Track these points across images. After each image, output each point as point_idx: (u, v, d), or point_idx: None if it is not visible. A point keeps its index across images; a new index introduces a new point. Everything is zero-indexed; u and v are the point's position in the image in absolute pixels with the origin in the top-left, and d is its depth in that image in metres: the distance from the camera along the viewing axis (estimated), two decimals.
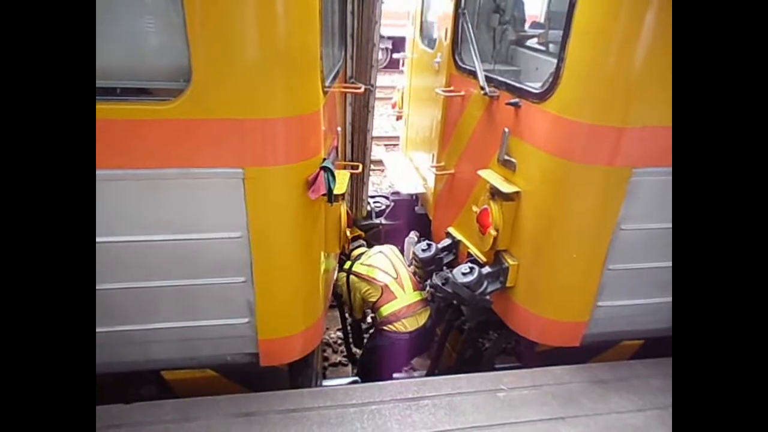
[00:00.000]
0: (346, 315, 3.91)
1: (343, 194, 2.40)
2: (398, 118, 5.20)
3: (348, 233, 2.77)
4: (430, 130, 3.68)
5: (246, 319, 2.29)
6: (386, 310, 3.24)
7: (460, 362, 3.41)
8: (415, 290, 3.32)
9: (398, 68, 9.93)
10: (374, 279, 3.28)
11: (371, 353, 3.47)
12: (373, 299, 3.28)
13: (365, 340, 4.00)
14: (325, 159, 2.20)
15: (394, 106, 5.34)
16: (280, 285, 2.30)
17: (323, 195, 2.14)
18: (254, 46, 1.83)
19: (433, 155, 3.59)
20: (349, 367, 4.38)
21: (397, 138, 6.18)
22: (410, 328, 3.21)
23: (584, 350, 2.75)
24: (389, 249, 3.53)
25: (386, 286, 3.25)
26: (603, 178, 2.29)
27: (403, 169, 4.47)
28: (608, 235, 2.40)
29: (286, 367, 2.68)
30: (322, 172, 2.12)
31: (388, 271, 3.33)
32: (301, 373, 2.88)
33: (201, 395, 2.39)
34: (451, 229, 3.30)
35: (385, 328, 3.24)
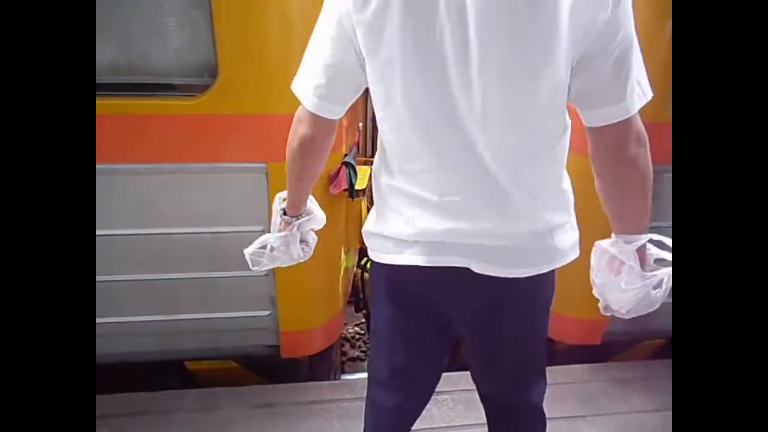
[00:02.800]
0: (362, 310, 3.92)
1: (363, 190, 2.42)
2: None
3: None
4: None
5: (267, 312, 2.33)
6: None
7: None
8: None
9: None
10: None
11: None
12: None
13: None
14: (346, 155, 2.21)
15: None
16: (301, 279, 2.32)
17: (344, 190, 2.15)
18: (278, 42, 1.85)
19: None
20: (366, 363, 4.41)
21: None
22: None
23: (603, 349, 2.73)
24: None
25: None
26: None
27: None
28: None
29: (306, 360, 2.72)
30: (343, 167, 2.14)
31: None
32: (320, 366, 2.92)
33: (222, 386, 2.44)
34: None
35: None
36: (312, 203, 1.46)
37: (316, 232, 2.20)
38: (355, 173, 2.18)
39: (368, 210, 2.95)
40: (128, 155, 1.93)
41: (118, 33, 1.86)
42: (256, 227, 2.13)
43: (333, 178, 2.12)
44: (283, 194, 1.42)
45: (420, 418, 1.53)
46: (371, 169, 1.33)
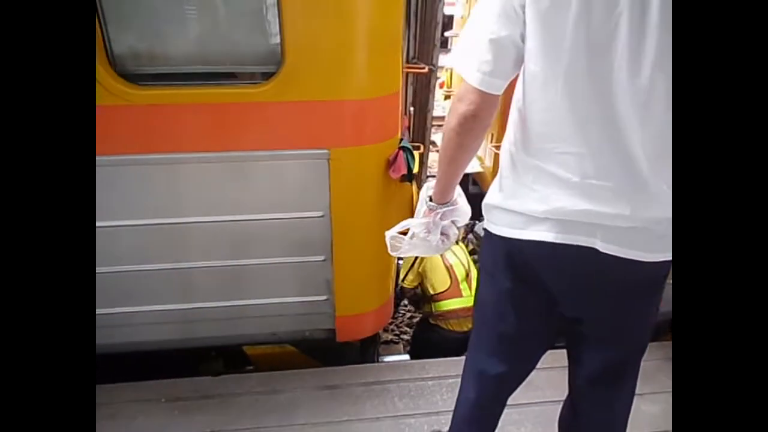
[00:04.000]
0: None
1: (418, 174, 2.43)
2: (446, 97, 5.17)
3: None
4: None
5: (324, 297, 2.37)
6: (446, 305, 3.08)
7: None
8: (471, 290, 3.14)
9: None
10: (452, 268, 3.13)
11: (422, 346, 3.39)
12: (441, 289, 3.10)
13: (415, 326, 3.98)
14: (402, 139, 2.23)
15: (442, 86, 5.31)
16: (357, 264, 2.35)
17: (403, 175, 2.17)
18: (344, 28, 1.85)
19: (492, 134, 3.58)
20: (401, 345, 4.46)
21: (442, 118, 6.14)
22: (465, 329, 3.05)
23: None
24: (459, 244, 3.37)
25: (458, 281, 3.11)
26: None
27: None
28: None
29: (358, 343, 2.76)
30: (401, 152, 2.15)
31: (464, 263, 3.19)
32: (369, 349, 2.97)
33: (278, 369, 2.50)
34: None
35: (440, 324, 3.13)
36: (460, 196, 1.46)
37: (369, 216, 2.23)
38: (413, 157, 2.19)
39: (418, 194, 2.97)
40: (194, 144, 1.95)
41: (183, 22, 1.87)
42: (317, 213, 2.16)
43: (391, 163, 2.13)
44: (431, 183, 1.45)
45: None
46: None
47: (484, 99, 1.17)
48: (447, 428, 1.97)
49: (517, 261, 1.32)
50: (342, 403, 2.21)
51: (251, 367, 2.73)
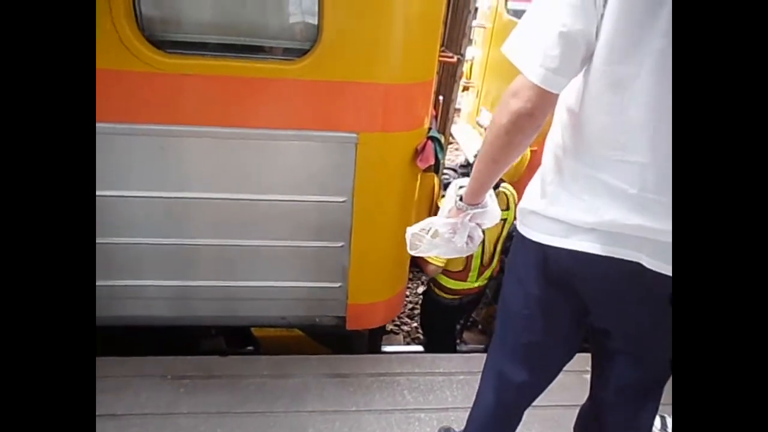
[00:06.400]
0: None
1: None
2: (465, 89, 5.08)
3: (439, 204, 2.74)
4: None
5: (339, 284, 2.32)
6: (447, 282, 2.92)
7: None
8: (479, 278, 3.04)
9: None
10: (471, 258, 2.87)
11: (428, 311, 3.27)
12: (453, 269, 2.91)
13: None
14: (430, 128, 2.17)
15: (461, 77, 5.23)
16: (374, 252, 2.31)
17: (431, 165, 2.11)
18: (385, 8, 1.78)
19: None
20: (401, 336, 4.44)
21: (457, 111, 6.07)
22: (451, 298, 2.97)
23: None
24: None
25: (470, 269, 2.94)
26: None
27: (476, 141, 4.40)
28: None
29: (367, 333, 2.73)
30: (430, 141, 2.09)
31: (487, 250, 2.95)
32: (376, 339, 2.94)
33: (285, 353, 2.46)
34: None
35: (438, 293, 2.98)
36: (490, 197, 1.38)
37: (392, 205, 2.17)
38: (442, 148, 2.13)
39: (440, 186, 2.92)
40: (219, 118, 1.89)
41: None
42: (340, 198, 2.10)
43: (420, 153, 2.08)
44: (461, 181, 1.38)
45: None
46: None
47: (543, 97, 1.07)
48: (456, 427, 1.95)
49: (552, 269, 1.26)
50: (352, 393, 2.18)
51: (251, 348, 2.70)
